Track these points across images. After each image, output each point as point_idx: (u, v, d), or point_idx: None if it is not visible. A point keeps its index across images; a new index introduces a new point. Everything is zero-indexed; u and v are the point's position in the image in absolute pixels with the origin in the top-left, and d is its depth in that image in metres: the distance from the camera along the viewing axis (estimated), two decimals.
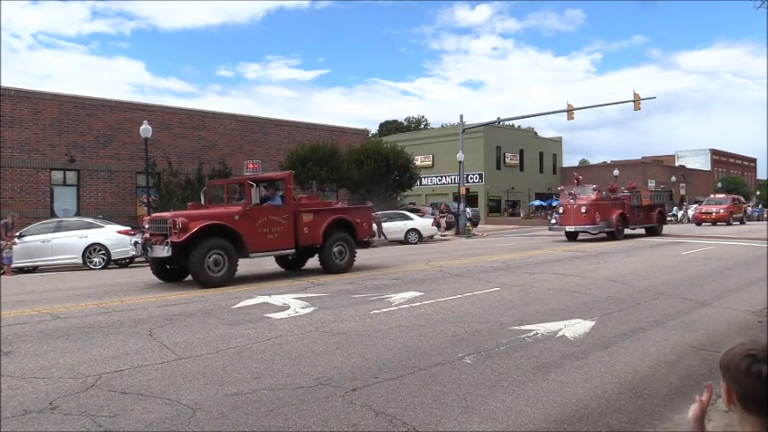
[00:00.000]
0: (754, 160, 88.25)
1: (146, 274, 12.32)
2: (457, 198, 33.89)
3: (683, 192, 56.98)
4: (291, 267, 13.74)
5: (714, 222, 35.65)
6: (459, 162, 32.68)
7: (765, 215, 52.20)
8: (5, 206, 20.89)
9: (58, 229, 17.29)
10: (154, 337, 6.68)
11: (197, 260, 10.63)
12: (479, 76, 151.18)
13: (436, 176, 52.19)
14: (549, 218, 29.39)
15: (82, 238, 16.69)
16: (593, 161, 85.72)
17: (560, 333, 6.61)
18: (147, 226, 12.00)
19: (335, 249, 12.82)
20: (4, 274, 15.29)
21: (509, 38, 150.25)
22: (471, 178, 46.36)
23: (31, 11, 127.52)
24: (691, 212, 43.65)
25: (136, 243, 11.94)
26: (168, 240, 10.81)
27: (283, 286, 10.77)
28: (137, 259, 15.60)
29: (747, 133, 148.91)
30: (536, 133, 59.11)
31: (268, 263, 14.05)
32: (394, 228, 25.08)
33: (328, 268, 12.69)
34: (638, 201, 24.15)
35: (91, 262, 16.50)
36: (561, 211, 23.26)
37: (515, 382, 4.87)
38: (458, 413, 4.15)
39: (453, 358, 5.58)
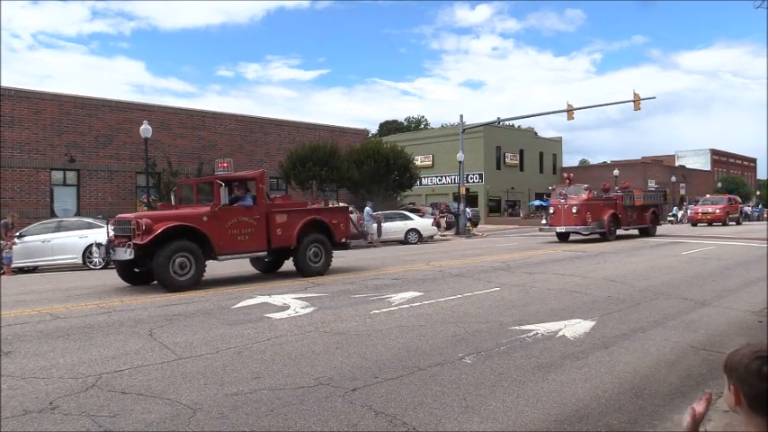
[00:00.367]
0: (754, 160, 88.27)
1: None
2: (457, 198, 33.89)
3: (683, 192, 57.03)
4: (267, 270, 13.32)
5: (710, 223, 35.24)
6: (459, 162, 32.68)
7: (765, 215, 52.21)
8: (5, 206, 20.90)
9: (58, 229, 17.29)
10: (154, 337, 6.68)
11: (161, 263, 10.21)
12: (479, 76, 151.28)
13: (436, 176, 52.19)
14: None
15: (82, 238, 16.69)
16: (593, 161, 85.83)
17: (560, 333, 6.61)
18: (112, 227, 11.62)
19: (311, 251, 12.37)
20: (3, 274, 15.29)
21: (509, 38, 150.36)
22: (471, 178, 46.36)
23: (31, 11, 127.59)
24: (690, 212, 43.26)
25: (99, 245, 11.46)
26: (131, 242, 10.42)
27: (283, 286, 10.77)
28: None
29: (747, 133, 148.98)
30: (536, 133, 59.13)
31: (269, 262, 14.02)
32: (394, 228, 25.09)
33: (303, 271, 12.20)
34: (630, 201, 23.67)
35: (91, 262, 16.50)
36: (552, 211, 22.75)
37: (515, 382, 4.87)
38: (458, 413, 4.15)
39: (453, 358, 5.58)
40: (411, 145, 45.45)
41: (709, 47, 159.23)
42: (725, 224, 34.99)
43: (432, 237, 26.09)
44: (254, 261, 13.37)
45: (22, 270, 16.27)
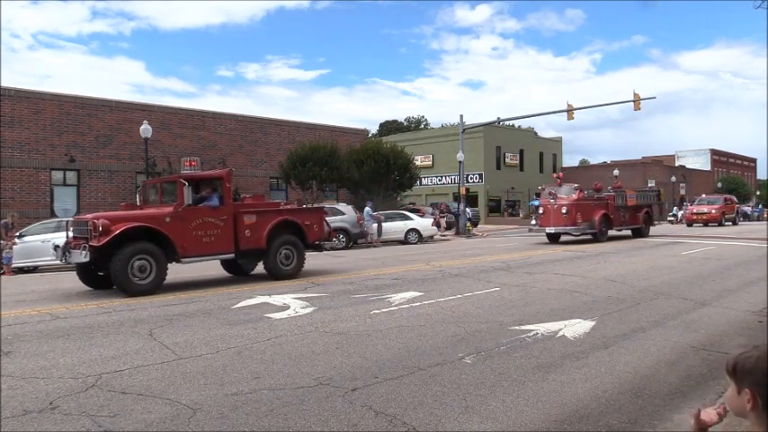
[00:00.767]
0: (754, 160, 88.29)
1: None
2: (457, 198, 33.88)
3: (683, 192, 57.02)
4: (239, 273, 12.86)
5: (706, 223, 34.52)
6: (459, 162, 32.68)
7: (765, 215, 52.18)
8: (5, 206, 20.90)
9: (58, 229, 17.28)
10: (154, 337, 6.68)
11: (119, 266, 9.76)
12: (479, 76, 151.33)
13: (436, 176, 52.19)
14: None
15: None
16: (593, 161, 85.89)
17: (560, 333, 6.61)
18: (71, 228, 11.25)
19: (282, 253, 11.97)
20: (3, 274, 15.29)
21: (509, 38, 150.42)
22: (471, 178, 46.35)
23: (31, 11, 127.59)
24: None
25: (56, 247, 11.05)
26: (86, 244, 9.99)
27: (283, 286, 10.77)
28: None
29: (747, 133, 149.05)
30: (536, 133, 59.11)
31: None
32: (394, 228, 25.08)
33: (273, 274, 11.84)
34: (623, 201, 23.10)
35: None
36: (541, 211, 22.05)
37: (515, 382, 4.87)
38: (458, 413, 4.15)
39: (453, 358, 5.58)
40: (411, 145, 45.44)
41: (709, 47, 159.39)
42: (720, 224, 34.35)
43: (432, 237, 26.08)
44: (226, 263, 12.93)
45: (22, 270, 16.28)
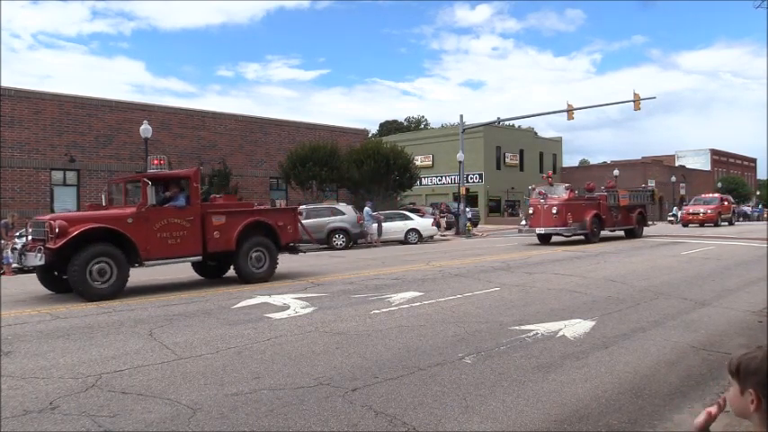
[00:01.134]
0: (754, 160, 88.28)
1: (146, 274, 12.31)
2: (457, 198, 33.88)
3: (683, 192, 57.01)
4: (211, 275, 12.49)
5: (702, 223, 33.93)
6: (460, 162, 32.68)
7: (766, 215, 52.18)
8: (5, 206, 20.90)
9: None
10: (154, 337, 6.68)
11: (76, 269, 9.33)
12: (479, 76, 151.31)
13: (436, 176, 52.18)
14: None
15: None
16: (593, 161, 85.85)
17: (560, 333, 6.61)
18: (29, 230, 10.83)
19: (253, 255, 11.53)
20: (4, 274, 15.29)
21: (509, 38, 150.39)
22: (471, 178, 46.34)
23: (31, 11, 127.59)
24: None
25: (13, 249, 10.61)
26: (41, 247, 9.56)
27: (283, 286, 10.77)
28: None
29: (747, 133, 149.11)
30: (536, 133, 59.10)
31: None
32: (394, 228, 25.08)
33: (243, 277, 11.40)
34: (615, 201, 22.58)
35: None
36: (531, 211, 21.60)
37: (515, 382, 4.87)
38: (458, 413, 4.15)
39: (453, 358, 5.58)
40: (411, 145, 45.44)
41: (709, 47, 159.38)
42: (717, 225, 33.80)
43: (432, 237, 26.08)
44: (196, 266, 12.44)
45: (22, 270, 16.27)
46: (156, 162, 11.55)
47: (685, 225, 34.86)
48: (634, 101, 28.74)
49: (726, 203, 36.98)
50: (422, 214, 28.05)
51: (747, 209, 55.78)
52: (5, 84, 24.00)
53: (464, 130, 34.06)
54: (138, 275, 12.42)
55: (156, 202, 10.79)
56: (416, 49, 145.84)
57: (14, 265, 12.78)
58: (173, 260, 10.94)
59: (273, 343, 6.30)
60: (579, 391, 4.66)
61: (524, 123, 65.16)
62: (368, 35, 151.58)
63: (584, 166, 71.65)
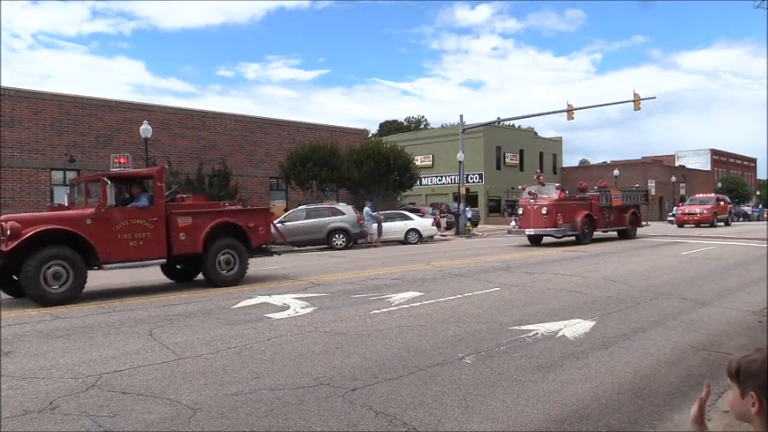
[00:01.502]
0: (754, 160, 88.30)
1: (146, 274, 12.32)
2: (457, 198, 33.88)
3: (683, 192, 57.02)
4: (181, 279, 12.09)
5: (697, 224, 33.44)
6: (459, 162, 32.68)
7: (766, 215, 52.17)
8: (5, 206, 20.90)
9: None
10: (154, 337, 6.68)
11: (29, 273, 8.92)
12: (479, 76, 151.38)
13: (436, 176, 52.18)
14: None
15: None
16: (593, 161, 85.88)
17: (560, 333, 6.60)
18: None
19: (222, 258, 11.08)
20: None
21: (509, 38, 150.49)
22: (471, 178, 46.34)
23: (31, 11, 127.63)
24: None
25: None
26: None
27: (283, 286, 10.77)
28: None
29: (747, 133, 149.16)
30: (536, 133, 59.11)
31: (270, 262, 14.00)
32: (394, 228, 25.08)
33: (212, 281, 10.98)
34: (607, 201, 22.02)
35: None
36: (521, 212, 21.14)
37: (515, 382, 4.87)
38: (458, 413, 4.15)
39: (453, 358, 5.58)
40: (411, 145, 45.43)
41: (709, 47, 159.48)
42: (712, 225, 33.29)
43: (432, 237, 26.08)
44: (165, 269, 12.06)
45: None
46: (118, 161, 11.00)
47: (680, 225, 34.19)
48: (634, 101, 28.74)
49: (722, 204, 36.37)
50: (422, 214, 28.05)
51: (747, 209, 55.80)
52: (5, 84, 24.02)
53: (464, 130, 34.06)
54: (140, 275, 12.43)
55: (119, 203, 10.43)
56: (416, 49, 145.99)
57: None
58: (135, 263, 10.44)
59: (273, 343, 6.29)
60: (579, 391, 4.66)
61: (524, 123, 65.21)
62: (368, 35, 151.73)
63: (584, 166, 71.65)
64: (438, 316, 7.66)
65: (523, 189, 22.26)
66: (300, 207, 23.93)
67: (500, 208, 52.29)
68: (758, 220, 49.72)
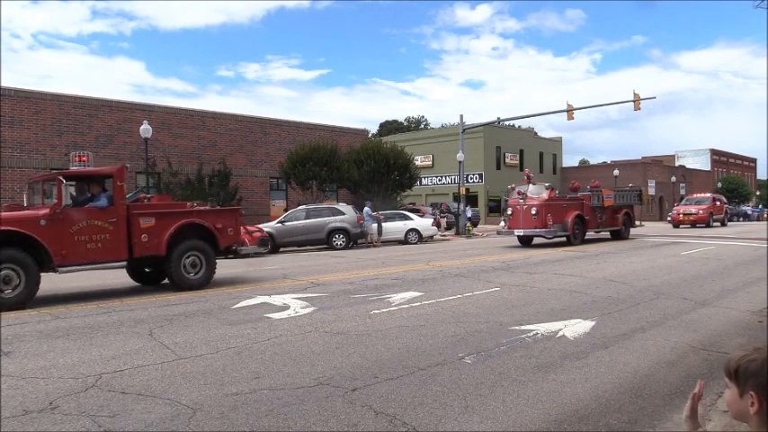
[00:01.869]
0: (754, 160, 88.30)
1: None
2: (457, 198, 33.87)
3: (683, 192, 57.00)
4: (148, 282, 11.69)
5: (693, 224, 33.09)
6: (459, 162, 32.68)
7: (766, 215, 52.17)
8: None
9: None
10: (154, 337, 6.68)
11: None
12: (479, 76, 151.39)
13: (436, 176, 52.18)
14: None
15: None
16: (593, 161, 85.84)
17: (560, 333, 6.61)
18: None
19: (187, 261, 10.66)
20: None
21: (509, 38, 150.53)
22: (471, 178, 46.35)
23: (31, 11, 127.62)
24: None
25: None
26: None
27: (283, 286, 10.77)
28: None
29: (747, 133, 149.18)
30: (536, 133, 59.13)
31: (270, 262, 14.00)
32: (394, 228, 25.09)
33: (177, 284, 10.56)
34: (599, 201, 21.55)
35: None
36: (510, 212, 20.67)
37: (515, 382, 4.87)
38: (458, 413, 4.15)
39: (453, 358, 5.58)
40: (411, 145, 45.44)
41: (709, 47, 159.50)
42: (708, 226, 32.90)
43: (432, 237, 26.09)
44: (131, 271, 11.70)
45: None
46: (78, 159, 10.35)
47: (676, 226, 33.82)
48: (634, 101, 28.74)
49: (718, 204, 36.01)
50: (422, 214, 28.05)
51: (747, 209, 55.77)
52: (5, 84, 24.01)
53: (464, 130, 34.06)
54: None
55: (80, 203, 10.10)
56: (416, 49, 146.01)
57: None
58: (93, 266, 10.01)
59: (273, 343, 6.29)
60: (579, 391, 4.66)
61: (524, 123, 65.26)
62: (368, 35, 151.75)
63: (584, 165, 71.64)
64: (438, 316, 7.66)
65: (512, 189, 21.80)
66: (300, 207, 23.93)
67: (500, 208, 52.29)
68: (758, 220, 49.68)
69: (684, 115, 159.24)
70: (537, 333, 6.60)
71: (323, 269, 14.06)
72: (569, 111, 30.38)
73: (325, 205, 24.03)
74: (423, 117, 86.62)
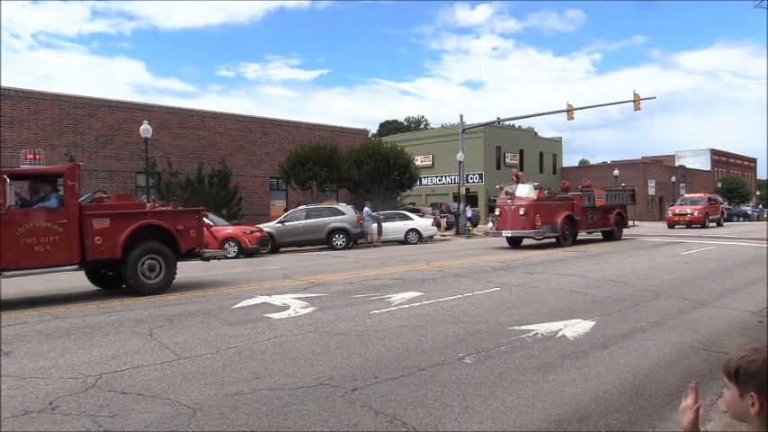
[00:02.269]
0: (754, 160, 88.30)
1: None
2: (457, 198, 33.87)
3: (683, 192, 57.00)
4: (108, 285, 11.18)
5: (689, 225, 32.73)
6: (459, 162, 32.69)
7: (766, 215, 52.17)
8: None
9: None
10: (154, 337, 6.68)
11: None
12: (479, 76, 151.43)
13: (436, 176, 52.17)
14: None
15: None
16: (593, 161, 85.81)
17: (560, 333, 6.60)
18: None
19: (144, 264, 10.14)
20: None
21: (509, 38, 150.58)
22: (471, 178, 46.34)
23: (31, 11, 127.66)
24: None
25: None
26: None
27: (283, 286, 10.77)
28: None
29: (747, 133, 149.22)
30: (536, 133, 59.14)
31: (270, 262, 14.00)
32: (394, 228, 25.09)
33: (134, 289, 10.05)
34: (590, 201, 21.01)
35: None
36: (498, 213, 20.21)
37: (515, 382, 4.87)
38: (458, 413, 4.15)
39: (453, 358, 5.58)
40: (411, 145, 45.43)
41: (709, 47, 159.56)
42: (704, 226, 32.53)
43: (432, 237, 26.09)
44: (91, 275, 11.22)
45: None
46: (30, 157, 9.92)
47: (671, 226, 33.32)
48: (634, 101, 28.75)
49: (714, 204, 35.64)
50: (422, 214, 28.06)
51: (747, 209, 55.77)
52: (5, 84, 24.01)
53: (464, 130, 34.06)
54: None
55: (28, 203, 9.71)
56: (416, 49, 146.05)
57: None
58: (41, 269, 9.50)
59: (273, 343, 6.29)
60: (579, 391, 4.66)
61: (524, 123, 65.28)
62: (368, 35, 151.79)
63: (584, 166, 71.64)
64: (438, 316, 7.66)
65: (501, 189, 21.20)
66: (300, 207, 23.94)
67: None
68: (758, 220, 49.68)
69: (684, 115, 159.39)
70: (537, 333, 6.60)
71: (323, 269, 14.06)
72: (569, 111, 30.39)
73: (325, 205, 24.03)
74: (423, 117, 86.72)
